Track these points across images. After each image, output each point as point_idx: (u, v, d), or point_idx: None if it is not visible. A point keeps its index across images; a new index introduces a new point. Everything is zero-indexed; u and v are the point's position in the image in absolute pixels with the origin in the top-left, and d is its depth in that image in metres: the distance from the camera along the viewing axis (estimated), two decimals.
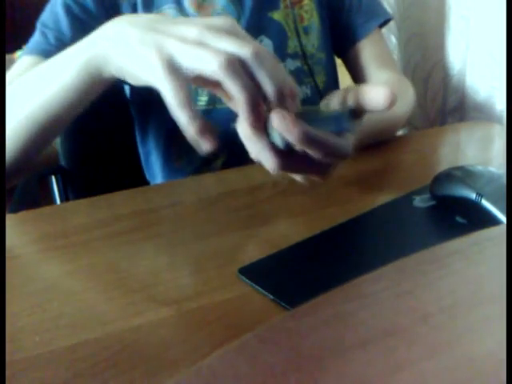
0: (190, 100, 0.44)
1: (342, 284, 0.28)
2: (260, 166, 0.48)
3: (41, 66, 0.58)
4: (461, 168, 0.55)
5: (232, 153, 0.79)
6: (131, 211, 0.59)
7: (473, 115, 1.12)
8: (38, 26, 0.73)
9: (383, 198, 0.57)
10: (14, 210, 0.65)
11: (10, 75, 0.69)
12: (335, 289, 0.28)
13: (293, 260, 0.48)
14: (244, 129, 0.46)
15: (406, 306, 0.27)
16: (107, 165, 0.93)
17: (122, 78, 0.50)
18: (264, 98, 0.46)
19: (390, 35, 1.21)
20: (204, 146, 0.45)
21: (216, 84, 0.45)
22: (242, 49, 0.43)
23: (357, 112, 0.49)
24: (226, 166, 0.78)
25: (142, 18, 0.51)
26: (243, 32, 0.46)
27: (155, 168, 0.84)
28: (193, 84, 0.49)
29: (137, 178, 0.87)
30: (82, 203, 0.63)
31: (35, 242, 0.54)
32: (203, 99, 0.77)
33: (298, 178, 0.53)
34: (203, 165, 0.80)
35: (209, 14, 0.75)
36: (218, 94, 0.51)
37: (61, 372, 0.36)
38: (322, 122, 0.47)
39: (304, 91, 0.83)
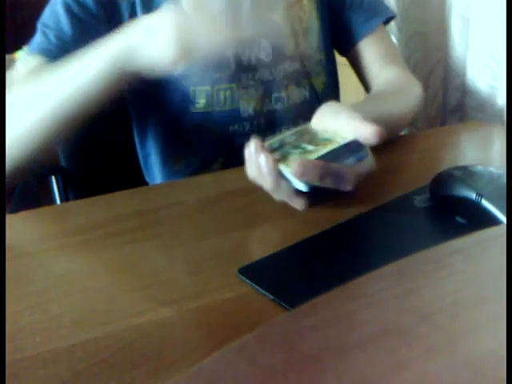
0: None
1: (342, 284, 0.28)
2: None
3: (63, 62, 0.61)
4: (461, 168, 0.55)
5: (230, 155, 0.79)
6: (131, 211, 0.59)
7: (473, 115, 1.11)
8: (39, 26, 0.73)
9: (383, 198, 0.57)
10: (14, 210, 0.65)
11: (13, 75, 0.70)
12: (335, 289, 0.28)
13: (293, 260, 0.48)
14: (267, 183, 0.52)
15: (407, 305, 0.27)
16: (107, 165, 0.93)
17: (144, 69, 0.55)
18: None
19: (390, 35, 1.21)
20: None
21: None
22: None
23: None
24: (225, 168, 0.78)
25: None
26: None
27: (154, 170, 0.84)
28: None
29: (137, 178, 0.87)
30: (82, 203, 0.63)
31: (35, 242, 0.54)
32: (202, 102, 0.77)
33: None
34: (202, 167, 0.80)
35: (207, 15, 0.75)
36: None
37: (61, 372, 0.36)
38: (341, 157, 0.51)
39: (303, 93, 0.82)
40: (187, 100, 0.77)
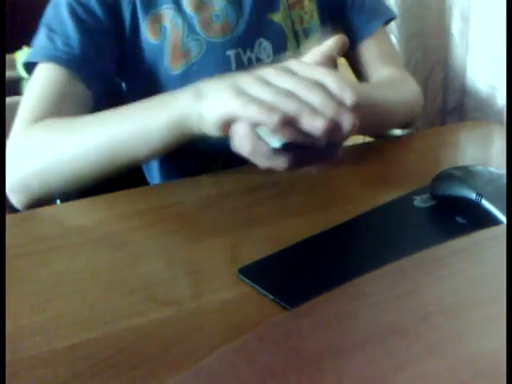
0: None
1: (342, 284, 0.28)
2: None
3: (117, 111, 0.62)
4: (461, 168, 0.55)
5: (230, 156, 0.79)
6: (131, 211, 0.59)
7: (473, 115, 1.12)
8: (44, 28, 0.72)
9: (383, 198, 0.57)
10: (14, 210, 0.66)
11: (33, 90, 0.70)
12: (335, 289, 0.28)
13: (293, 260, 0.48)
14: (245, 145, 0.50)
15: (407, 305, 0.27)
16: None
17: (207, 132, 0.55)
18: None
19: (390, 35, 1.21)
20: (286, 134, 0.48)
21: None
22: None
23: None
24: (225, 168, 0.78)
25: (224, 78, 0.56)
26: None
27: (154, 171, 0.84)
28: None
29: (137, 179, 0.87)
30: (82, 203, 0.63)
31: (35, 242, 0.54)
32: None
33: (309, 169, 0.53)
34: (202, 168, 0.80)
35: (207, 15, 0.75)
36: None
37: (61, 372, 0.36)
38: None
39: None
40: None
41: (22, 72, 0.86)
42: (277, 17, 0.79)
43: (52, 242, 0.53)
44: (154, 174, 0.84)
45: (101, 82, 0.73)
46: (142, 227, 0.55)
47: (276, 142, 0.48)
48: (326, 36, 0.85)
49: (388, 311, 0.27)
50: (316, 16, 0.83)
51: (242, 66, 0.76)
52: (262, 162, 0.50)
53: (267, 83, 0.49)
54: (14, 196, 0.65)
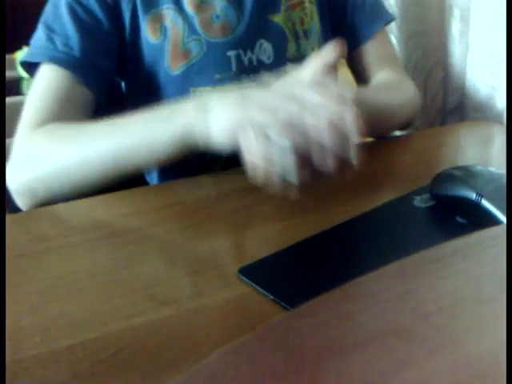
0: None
1: (342, 284, 0.28)
2: None
3: (124, 121, 0.62)
4: (461, 168, 0.55)
5: (230, 158, 0.79)
6: (131, 211, 0.59)
7: (473, 115, 1.11)
8: (43, 26, 0.72)
9: (383, 198, 0.57)
10: (14, 210, 0.66)
11: (36, 93, 0.70)
12: (335, 289, 0.28)
13: (293, 260, 0.48)
14: (256, 149, 0.51)
15: (407, 305, 0.27)
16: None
17: (210, 146, 0.56)
18: None
19: (390, 35, 1.21)
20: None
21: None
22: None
23: None
24: (224, 169, 0.78)
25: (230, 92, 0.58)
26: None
27: (153, 172, 0.84)
28: None
29: (137, 179, 0.87)
30: (82, 203, 0.63)
31: (35, 241, 0.54)
32: None
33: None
34: (201, 168, 0.80)
35: (208, 15, 0.75)
36: None
37: (61, 372, 0.36)
38: None
39: None
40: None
41: (22, 72, 0.86)
42: (277, 18, 0.79)
43: (52, 242, 0.53)
44: (153, 174, 0.85)
45: (101, 82, 0.73)
46: (142, 227, 0.55)
47: (286, 142, 0.49)
48: (325, 40, 0.85)
49: (388, 311, 0.27)
50: (316, 17, 0.83)
51: (243, 66, 0.76)
52: (272, 168, 0.51)
53: (273, 112, 0.51)
54: (19, 199, 0.66)
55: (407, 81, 0.86)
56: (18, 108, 0.69)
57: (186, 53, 0.74)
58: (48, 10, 0.74)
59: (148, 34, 0.74)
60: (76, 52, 0.70)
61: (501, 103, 1.04)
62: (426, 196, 0.56)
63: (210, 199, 0.61)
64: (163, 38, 0.74)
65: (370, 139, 0.82)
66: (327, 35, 0.85)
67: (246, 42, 0.76)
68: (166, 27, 0.74)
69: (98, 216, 0.58)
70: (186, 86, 0.76)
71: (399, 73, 0.87)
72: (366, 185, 0.62)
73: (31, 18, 0.75)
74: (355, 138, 0.50)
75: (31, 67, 0.72)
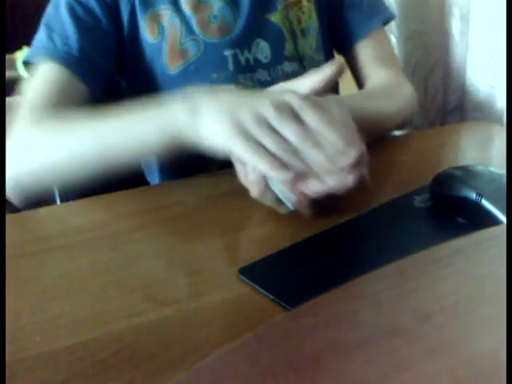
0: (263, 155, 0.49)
1: (342, 284, 0.28)
2: None
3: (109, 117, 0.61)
4: (461, 168, 0.55)
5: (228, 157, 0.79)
6: (131, 211, 0.59)
7: (473, 115, 1.11)
8: (43, 27, 0.73)
9: (383, 198, 0.57)
10: (14, 210, 0.66)
11: (33, 88, 0.70)
12: (335, 289, 0.28)
13: (293, 260, 0.48)
14: (252, 190, 0.53)
15: (407, 305, 0.27)
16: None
17: (198, 145, 0.55)
18: None
19: (390, 34, 1.21)
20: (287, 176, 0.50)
21: None
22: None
23: None
24: (222, 169, 0.78)
25: (222, 93, 0.57)
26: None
27: (153, 171, 0.84)
28: None
29: (137, 178, 0.87)
30: (82, 203, 0.63)
31: (35, 241, 0.54)
32: None
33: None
34: (199, 168, 0.80)
35: (205, 16, 0.75)
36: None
37: (61, 372, 0.36)
38: None
39: None
40: None
41: (22, 72, 0.86)
42: (274, 17, 0.79)
43: (52, 242, 0.53)
44: (153, 176, 0.85)
45: (99, 80, 0.74)
46: (142, 227, 0.55)
47: (289, 206, 0.51)
48: (324, 39, 0.85)
49: (388, 311, 0.27)
50: (314, 15, 0.83)
51: (240, 65, 0.76)
52: (265, 203, 0.53)
53: (268, 127, 0.50)
54: (8, 192, 0.66)
55: (404, 82, 0.85)
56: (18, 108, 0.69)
57: (183, 53, 0.75)
58: (49, 10, 0.74)
59: (146, 33, 0.74)
60: (75, 51, 0.70)
61: (501, 103, 1.04)
62: (426, 196, 0.56)
63: (210, 199, 0.61)
64: (161, 37, 0.74)
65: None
66: (326, 33, 0.85)
67: (242, 42, 0.76)
68: (163, 27, 0.74)
69: (98, 216, 0.58)
70: (183, 85, 0.76)
71: (397, 73, 0.86)
72: (366, 185, 0.62)
73: (31, 18, 0.75)
74: (350, 159, 0.49)
75: (32, 67, 0.73)
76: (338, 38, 0.87)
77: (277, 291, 0.42)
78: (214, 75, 0.75)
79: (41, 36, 0.73)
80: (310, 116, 0.51)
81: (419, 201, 0.56)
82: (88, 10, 0.72)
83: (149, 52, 0.75)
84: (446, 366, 0.22)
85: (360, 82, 0.86)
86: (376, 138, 0.79)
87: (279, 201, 0.51)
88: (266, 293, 0.42)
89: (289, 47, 0.80)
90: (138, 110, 0.60)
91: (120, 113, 0.61)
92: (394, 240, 0.49)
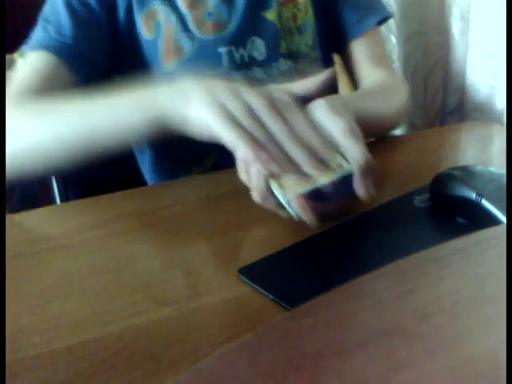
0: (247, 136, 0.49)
1: (342, 284, 0.28)
2: None
3: (96, 100, 0.61)
4: (461, 168, 0.55)
5: (222, 153, 0.78)
6: (131, 211, 0.59)
7: (473, 115, 1.12)
8: (40, 21, 0.74)
9: (383, 198, 0.57)
10: (14, 210, 0.65)
11: (19, 74, 0.70)
12: (335, 289, 0.28)
13: (293, 260, 0.48)
14: (255, 194, 0.51)
15: (407, 305, 0.27)
16: (107, 164, 0.93)
17: (184, 132, 0.55)
18: None
19: (390, 34, 1.21)
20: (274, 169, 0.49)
21: None
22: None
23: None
24: (217, 166, 0.78)
25: (211, 82, 0.56)
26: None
27: (148, 168, 0.85)
28: None
29: (137, 178, 0.87)
30: (82, 203, 0.63)
31: (35, 241, 0.54)
32: None
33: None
34: (193, 164, 0.80)
35: (200, 13, 0.75)
36: None
37: (61, 372, 0.36)
38: (334, 192, 0.50)
39: None
40: None
41: None
42: (270, 14, 0.78)
43: (52, 242, 0.53)
44: (149, 172, 0.85)
45: (89, 72, 0.73)
46: (142, 227, 0.55)
47: (293, 214, 0.49)
48: (320, 36, 0.85)
49: (388, 311, 0.27)
50: (311, 13, 0.82)
51: (235, 63, 0.76)
52: (267, 207, 0.51)
53: (255, 117, 0.50)
54: None
55: (400, 82, 0.85)
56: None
57: (178, 49, 0.75)
58: (46, 5, 0.75)
59: (142, 30, 0.75)
60: (68, 40, 0.71)
61: (501, 103, 1.04)
62: (426, 196, 0.56)
63: (210, 199, 0.61)
64: (157, 34, 0.75)
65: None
66: (322, 31, 0.84)
67: (237, 39, 0.76)
68: (159, 24, 0.75)
69: (98, 216, 0.58)
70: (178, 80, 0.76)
71: (391, 73, 0.85)
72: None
73: (31, 18, 0.75)
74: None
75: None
76: (334, 36, 0.86)
77: (277, 291, 0.42)
78: (209, 72, 0.75)
79: (37, 30, 0.74)
80: (294, 115, 0.51)
81: (419, 201, 0.56)
82: (84, 3, 0.73)
83: (144, 48, 0.75)
84: (446, 366, 0.22)
85: (354, 82, 0.86)
86: (374, 138, 0.79)
87: (281, 206, 0.50)
88: (266, 293, 0.42)
89: (284, 45, 0.79)
90: (125, 93, 0.59)
91: (106, 95, 0.60)
92: (394, 240, 0.49)
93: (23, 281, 0.46)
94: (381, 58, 0.85)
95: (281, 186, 0.49)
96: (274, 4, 0.79)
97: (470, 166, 0.55)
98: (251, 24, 0.77)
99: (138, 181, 0.86)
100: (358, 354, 0.23)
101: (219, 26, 0.75)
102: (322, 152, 0.49)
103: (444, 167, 0.56)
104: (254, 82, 0.77)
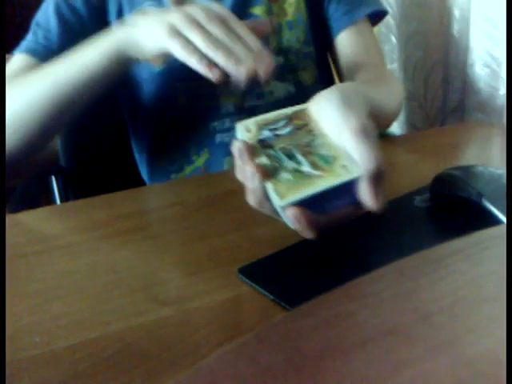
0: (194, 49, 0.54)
1: (342, 284, 0.28)
2: None
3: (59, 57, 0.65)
4: (461, 168, 0.55)
5: (212, 151, 0.79)
6: (131, 211, 0.59)
7: (473, 115, 1.12)
8: (32, 25, 0.75)
9: (383, 198, 0.57)
10: (14, 210, 0.66)
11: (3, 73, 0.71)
12: (335, 289, 0.28)
13: (293, 260, 0.48)
14: (250, 198, 0.47)
15: (407, 305, 0.27)
16: (107, 165, 0.93)
17: (140, 57, 0.61)
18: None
19: (390, 35, 1.21)
20: (214, 75, 0.54)
21: None
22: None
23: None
24: (208, 164, 0.78)
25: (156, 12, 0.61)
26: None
27: (143, 167, 0.85)
28: None
29: (136, 178, 0.87)
30: (82, 203, 0.63)
31: (35, 241, 0.54)
32: (183, 98, 0.78)
33: None
34: (185, 163, 0.80)
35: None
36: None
37: (61, 372, 0.36)
38: (335, 199, 0.43)
39: (287, 88, 0.81)
40: (169, 96, 0.77)
41: None
42: (258, 10, 0.78)
43: (52, 242, 0.53)
44: (145, 172, 0.85)
45: None
46: (142, 227, 0.55)
47: (289, 223, 0.43)
48: (313, 31, 0.83)
49: (388, 311, 0.27)
50: (303, 7, 0.82)
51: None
52: (262, 212, 0.47)
53: (198, 25, 0.55)
54: None
55: (394, 77, 0.84)
56: None
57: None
58: (40, 9, 0.76)
59: None
60: (54, 45, 0.72)
61: (501, 103, 1.04)
62: (426, 196, 0.56)
63: (210, 199, 0.61)
64: None
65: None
66: (315, 27, 0.83)
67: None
68: None
69: (98, 216, 0.58)
70: (168, 81, 0.77)
71: (382, 68, 0.83)
72: None
73: (31, 18, 0.76)
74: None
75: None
76: (322, 32, 0.84)
77: (277, 291, 0.42)
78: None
79: (29, 32, 0.75)
80: (233, 21, 0.56)
81: (419, 201, 0.56)
82: (73, 9, 0.74)
83: None
84: (446, 366, 0.22)
85: (342, 77, 0.83)
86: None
87: (277, 212, 0.45)
88: (266, 293, 0.42)
89: (273, 41, 0.79)
90: (84, 45, 0.63)
91: (69, 53, 0.64)
92: (394, 240, 0.49)
93: (23, 281, 0.46)
94: (370, 54, 0.82)
95: (277, 189, 0.43)
96: (263, 0, 0.78)
97: (470, 166, 0.55)
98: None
99: (137, 181, 0.86)
100: (358, 353, 0.23)
101: None
102: (258, 51, 0.54)
103: (444, 167, 0.56)
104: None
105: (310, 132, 0.47)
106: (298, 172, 0.44)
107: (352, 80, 0.76)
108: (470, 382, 0.22)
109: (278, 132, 0.47)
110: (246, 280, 0.44)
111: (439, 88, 1.20)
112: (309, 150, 0.46)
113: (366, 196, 0.42)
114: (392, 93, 0.75)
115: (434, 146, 0.76)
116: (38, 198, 0.93)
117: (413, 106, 1.22)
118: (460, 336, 0.24)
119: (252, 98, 0.79)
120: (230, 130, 0.76)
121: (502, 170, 0.53)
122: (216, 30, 0.54)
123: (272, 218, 0.55)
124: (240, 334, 0.25)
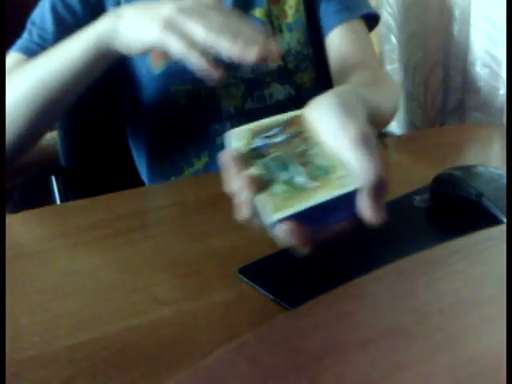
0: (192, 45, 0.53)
1: (342, 284, 0.28)
2: None
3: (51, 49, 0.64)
4: (461, 168, 0.55)
5: (213, 154, 0.78)
6: (131, 211, 0.59)
7: (473, 115, 1.12)
8: (28, 23, 0.74)
9: None
10: (14, 210, 0.66)
11: None
12: (335, 289, 0.28)
13: (293, 260, 0.48)
14: (240, 212, 0.41)
15: (407, 306, 0.27)
16: (107, 165, 0.93)
17: (126, 51, 0.59)
18: None
19: (390, 35, 1.21)
20: (213, 73, 0.54)
21: None
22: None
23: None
24: (208, 166, 0.78)
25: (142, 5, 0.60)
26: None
27: (143, 170, 0.85)
28: None
29: (136, 178, 0.87)
30: (82, 203, 0.63)
31: (35, 242, 0.54)
32: (183, 101, 0.77)
33: None
34: (185, 166, 0.80)
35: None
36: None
37: (61, 372, 0.36)
38: (331, 213, 0.40)
39: (287, 90, 0.81)
40: (169, 99, 0.77)
41: None
42: (258, 12, 0.78)
43: (52, 242, 0.53)
44: (144, 173, 0.85)
45: None
46: (142, 227, 0.55)
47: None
48: (312, 32, 0.83)
49: (388, 311, 0.27)
50: (302, 9, 0.81)
51: (223, 63, 0.76)
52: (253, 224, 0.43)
53: (189, 15, 0.53)
54: None
55: (389, 78, 0.83)
56: None
57: (165, 52, 0.75)
58: (37, 8, 0.76)
59: None
60: (49, 44, 0.71)
61: (501, 103, 1.04)
62: (426, 196, 0.56)
63: (210, 199, 0.61)
64: None
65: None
66: (313, 28, 0.83)
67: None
68: None
69: (98, 216, 0.58)
70: (167, 84, 0.76)
71: (377, 69, 0.81)
72: None
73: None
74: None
75: None
76: (317, 32, 0.83)
77: (277, 291, 0.42)
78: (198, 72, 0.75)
79: (25, 31, 0.74)
80: (222, 11, 0.55)
81: (419, 201, 0.56)
82: (69, 8, 0.73)
83: None
84: (446, 366, 0.22)
85: (336, 81, 0.81)
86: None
87: (268, 228, 0.40)
88: (266, 293, 0.42)
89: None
90: (70, 38, 0.63)
91: (56, 47, 0.64)
92: (394, 240, 0.49)
93: (23, 281, 0.46)
94: (364, 54, 0.80)
95: (269, 203, 0.39)
96: (264, 2, 0.78)
97: (470, 166, 0.55)
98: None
99: (137, 181, 0.86)
100: (358, 353, 0.23)
101: None
102: (254, 39, 0.52)
103: (444, 167, 0.56)
104: (243, 83, 0.78)
105: (306, 140, 0.44)
106: (292, 184, 0.40)
107: (345, 80, 0.74)
108: (470, 382, 0.22)
109: (272, 140, 0.44)
110: (246, 280, 0.44)
111: (439, 88, 1.20)
112: (304, 160, 0.42)
113: (366, 210, 0.39)
114: (388, 94, 0.74)
115: (434, 146, 0.76)
116: (37, 198, 0.93)
117: (413, 106, 1.22)
118: (460, 336, 0.24)
119: (252, 101, 0.79)
120: None
121: (502, 170, 0.53)
122: (216, 17, 0.53)
123: None
124: (240, 334, 0.25)
